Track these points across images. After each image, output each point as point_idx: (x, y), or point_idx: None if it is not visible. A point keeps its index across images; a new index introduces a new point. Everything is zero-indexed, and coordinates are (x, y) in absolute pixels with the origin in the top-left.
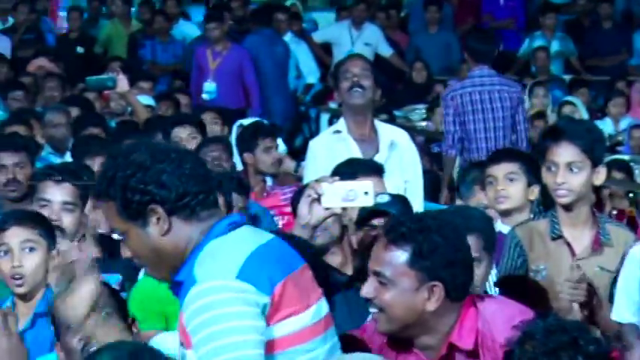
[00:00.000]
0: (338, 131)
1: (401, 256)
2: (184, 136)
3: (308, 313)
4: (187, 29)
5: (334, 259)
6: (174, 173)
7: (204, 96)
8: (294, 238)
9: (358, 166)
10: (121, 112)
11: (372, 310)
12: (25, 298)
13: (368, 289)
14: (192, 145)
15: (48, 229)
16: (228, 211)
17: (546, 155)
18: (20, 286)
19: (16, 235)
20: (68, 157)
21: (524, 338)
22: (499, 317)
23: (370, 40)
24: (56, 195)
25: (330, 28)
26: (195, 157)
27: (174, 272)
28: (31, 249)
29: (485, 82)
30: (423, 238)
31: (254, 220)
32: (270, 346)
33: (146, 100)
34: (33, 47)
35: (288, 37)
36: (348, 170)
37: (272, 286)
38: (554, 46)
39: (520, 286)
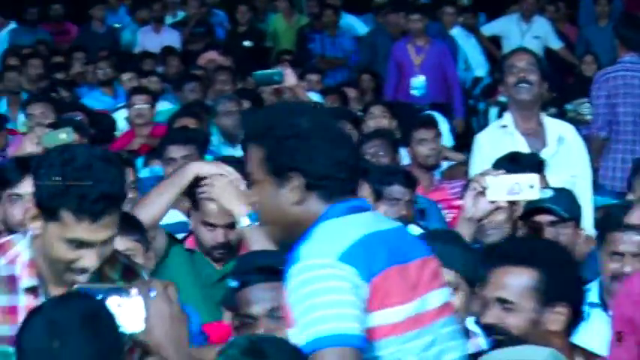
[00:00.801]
0: (504, 126)
1: None
2: None
3: (408, 307)
4: (353, 22)
5: None
6: (327, 154)
7: (414, 92)
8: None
9: (519, 160)
10: None
11: None
12: None
13: None
14: None
15: (143, 233)
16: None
17: None
18: None
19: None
20: (239, 150)
21: None
22: None
23: (539, 33)
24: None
25: (499, 21)
26: (353, 146)
27: (286, 241)
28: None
29: (636, 69)
30: None
31: (421, 214)
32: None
33: (314, 96)
34: (203, 41)
35: (456, 31)
36: (508, 164)
37: (371, 275)
38: None
39: None
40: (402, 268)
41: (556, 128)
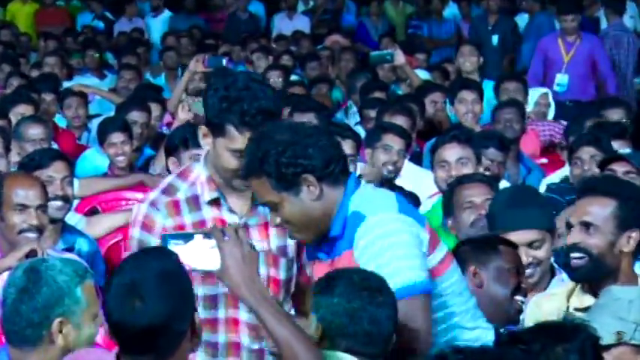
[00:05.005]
0: None
1: None
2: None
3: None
4: (455, 10)
5: None
6: (317, 145)
7: (556, 88)
8: None
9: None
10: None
11: None
12: None
13: None
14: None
15: None
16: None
17: None
18: None
19: None
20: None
21: None
22: None
23: (633, 13)
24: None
25: None
26: (324, 131)
27: (319, 234)
28: None
29: None
30: None
31: (529, 172)
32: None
33: (422, 73)
34: (328, 26)
35: None
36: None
37: (422, 223)
38: None
39: None
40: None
41: None
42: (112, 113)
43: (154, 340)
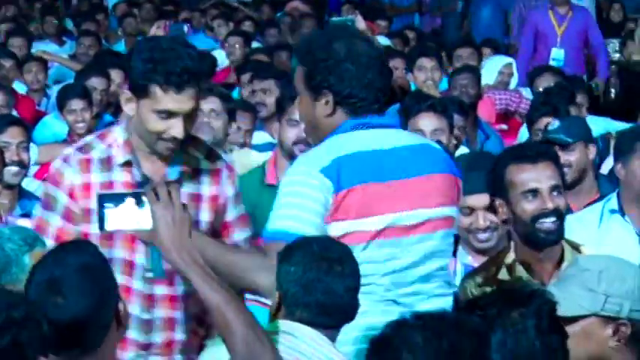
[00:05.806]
0: None
1: None
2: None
3: (367, 221)
4: None
5: None
6: (355, 76)
7: (552, 62)
8: None
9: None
10: None
11: None
12: None
13: None
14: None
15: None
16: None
17: None
18: None
19: None
20: None
21: None
22: None
23: None
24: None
25: None
26: (381, 69)
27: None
28: None
29: None
30: None
31: (487, 138)
32: None
33: (383, 40)
34: None
35: None
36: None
37: (338, 190)
38: None
39: None
40: (376, 186)
41: None
42: (71, 80)
43: (78, 335)
